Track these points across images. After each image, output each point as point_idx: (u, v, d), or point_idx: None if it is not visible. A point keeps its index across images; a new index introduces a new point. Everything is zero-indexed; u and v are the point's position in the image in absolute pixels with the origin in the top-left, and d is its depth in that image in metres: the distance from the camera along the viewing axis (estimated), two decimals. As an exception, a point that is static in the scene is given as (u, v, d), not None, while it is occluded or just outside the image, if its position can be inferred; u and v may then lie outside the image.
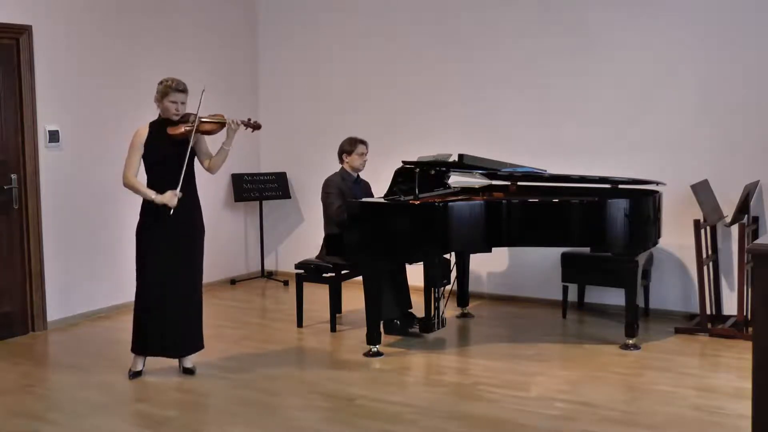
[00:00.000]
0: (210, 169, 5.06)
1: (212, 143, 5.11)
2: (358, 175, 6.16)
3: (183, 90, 4.88)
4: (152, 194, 4.82)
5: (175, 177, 4.83)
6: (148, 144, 4.88)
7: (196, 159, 5.02)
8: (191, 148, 4.90)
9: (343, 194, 5.95)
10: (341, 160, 6.15)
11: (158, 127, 4.91)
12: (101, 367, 5.24)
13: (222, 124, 4.95)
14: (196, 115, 4.89)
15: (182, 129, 4.87)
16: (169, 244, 4.90)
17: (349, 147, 6.08)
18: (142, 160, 4.91)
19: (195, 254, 5.03)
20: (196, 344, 5.11)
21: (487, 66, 7.01)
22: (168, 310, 4.92)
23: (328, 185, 6.05)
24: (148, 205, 4.93)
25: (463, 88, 7.13)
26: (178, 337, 5.00)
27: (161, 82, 4.91)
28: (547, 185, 6.06)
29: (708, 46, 6.17)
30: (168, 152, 4.85)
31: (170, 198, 4.79)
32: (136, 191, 4.89)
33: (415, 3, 7.31)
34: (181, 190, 4.85)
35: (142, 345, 5.01)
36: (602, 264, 6.16)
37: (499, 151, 6.42)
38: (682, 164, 6.24)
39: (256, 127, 5.12)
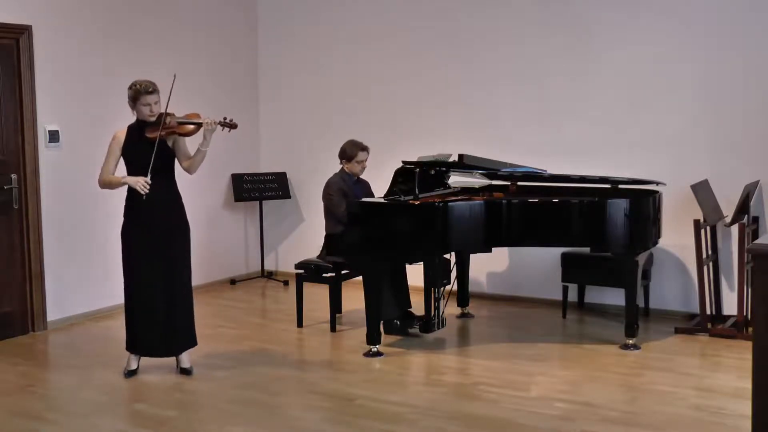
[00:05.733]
0: (188, 170, 5.04)
1: (193, 143, 5.09)
2: (357, 177, 6.15)
3: (152, 91, 4.85)
4: (121, 178, 4.87)
5: (154, 176, 4.84)
6: (127, 147, 4.91)
7: (176, 158, 5.03)
8: (166, 147, 4.91)
9: (346, 195, 5.95)
10: (341, 163, 6.14)
11: (137, 130, 4.92)
12: (101, 367, 5.24)
13: (198, 125, 4.91)
14: (165, 113, 4.85)
15: (158, 132, 4.85)
16: (152, 243, 4.91)
17: (350, 153, 6.06)
18: (123, 162, 4.94)
19: (180, 253, 5.02)
20: (188, 342, 5.10)
21: (488, 66, 7.00)
22: (157, 309, 4.93)
23: (329, 186, 6.05)
24: (130, 206, 4.96)
25: (463, 88, 7.13)
26: (168, 336, 5.00)
27: (130, 87, 4.89)
28: (547, 185, 6.06)
29: (708, 46, 6.17)
30: (146, 154, 4.82)
31: (134, 181, 4.79)
32: (111, 184, 4.93)
33: (415, 3, 7.31)
34: (158, 188, 4.85)
35: (134, 344, 5.03)
36: (602, 264, 6.16)
37: (499, 151, 6.42)
38: (682, 164, 6.24)
39: (232, 126, 5.05)
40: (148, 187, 4.78)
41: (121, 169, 5.00)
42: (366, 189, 6.23)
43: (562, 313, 6.43)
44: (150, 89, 4.84)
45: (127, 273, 4.99)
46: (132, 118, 4.99)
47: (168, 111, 4.88)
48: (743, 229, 5.62)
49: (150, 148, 4.81)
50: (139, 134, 4.89)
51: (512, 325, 6.28)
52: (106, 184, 4.96)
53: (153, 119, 4.88)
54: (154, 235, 4.91)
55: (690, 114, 6.27)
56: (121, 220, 5.03)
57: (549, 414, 4.37)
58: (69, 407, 4.62)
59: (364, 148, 6.11)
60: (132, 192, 4.91)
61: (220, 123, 4.99)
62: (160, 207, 4.91)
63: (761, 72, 6.00)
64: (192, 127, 4.90)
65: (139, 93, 4.84)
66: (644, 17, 6.38)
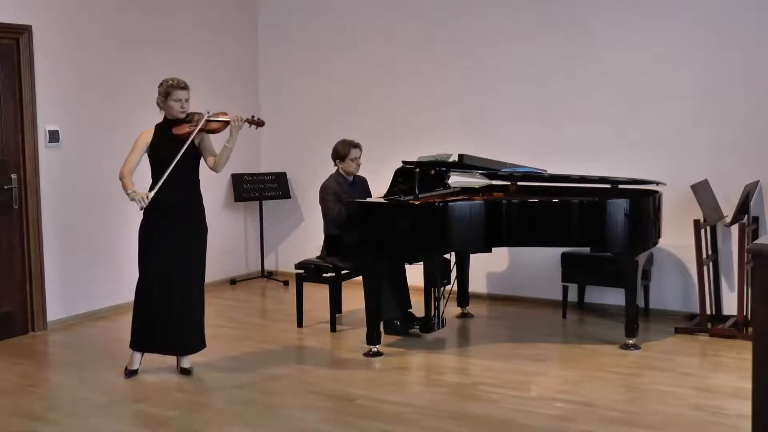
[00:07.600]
0: (214, 168, 5.04)
1: (217, 141, 5.10)
2: (354, 177, 6.14)
3: (185, 87, 4.91)
4: (128, 188, 4.82)
5: (177, 175, 4.85)
6: (154, 145, 4.92)
7: (201, 158, 5.04)
8: (193, 146, 4.92)
9: (341, 198, 5.93)
10: (335, 164, 6.12)
11: (163, 129, 4.95)
12: (101, 367, 5.24)
13: (226, 123, 4.94)
14: (201, 114, 4.91)
15: (186, 129, 4.88)
16: (171, 242, 4.92)
17: (343, 152, 6.02)
18: (148, 159, 4.95)
19: (197, 253, 5.05)
20: (198, 343, 5.11)
21: (487, 66, 7.00)
22: (170, 308, 4.93)
23: (324, 190, 6.01)
24: (151, 204, 4.95)
25: (463, 88, 7.13)
26: (180, 335, 5.00)
27: (161, 84, 4.93)
28: (547, 185, 6.06)
29: (708, 46, 6.17)
30: (173, 152, 4.85)
31: (136, 197, 4.77)
32: (123, 184, 4.86)
33: (415, 3, 7.31)
34: (182, 188, 4.88)
35: (141, 341, 5.02)
36: (602, 264, 6.16)
37: (499, 151, 6.41)
38: (682, 164, 6.24)
39: (259, 123, 5.08)
40: (146, 201, 4.78)
41: (140, 168, 4.96)
42: (364, 188, 6.21)
43: (562, 313, 6.42)
44: (182, 84, 4.90)
45: (142, 269, 4.97)
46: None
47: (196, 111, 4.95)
48: (743, 229, 5.62)
49: (177, 145, 4.84)
50: (167, 132, 4.91)
51: (512, 325, 6.28)
52: (122, 179, 4.88)
53: (183, 116, 4.92)
54: (173, 235, 4.92)
55: (690, 114, 6.27)
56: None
57: (549, 414, 4.37)
58: (69, 407, 4.62)
59: (356, 145, 6.08)
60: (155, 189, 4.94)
61: (247, 120, 5.01)
62: (181, 207, 4.94)
63: (761, 72, 6.00)
64: (220, 124, 4.92)
65: (171, 87, 4.87)
66: (644, 17, 6.37)
